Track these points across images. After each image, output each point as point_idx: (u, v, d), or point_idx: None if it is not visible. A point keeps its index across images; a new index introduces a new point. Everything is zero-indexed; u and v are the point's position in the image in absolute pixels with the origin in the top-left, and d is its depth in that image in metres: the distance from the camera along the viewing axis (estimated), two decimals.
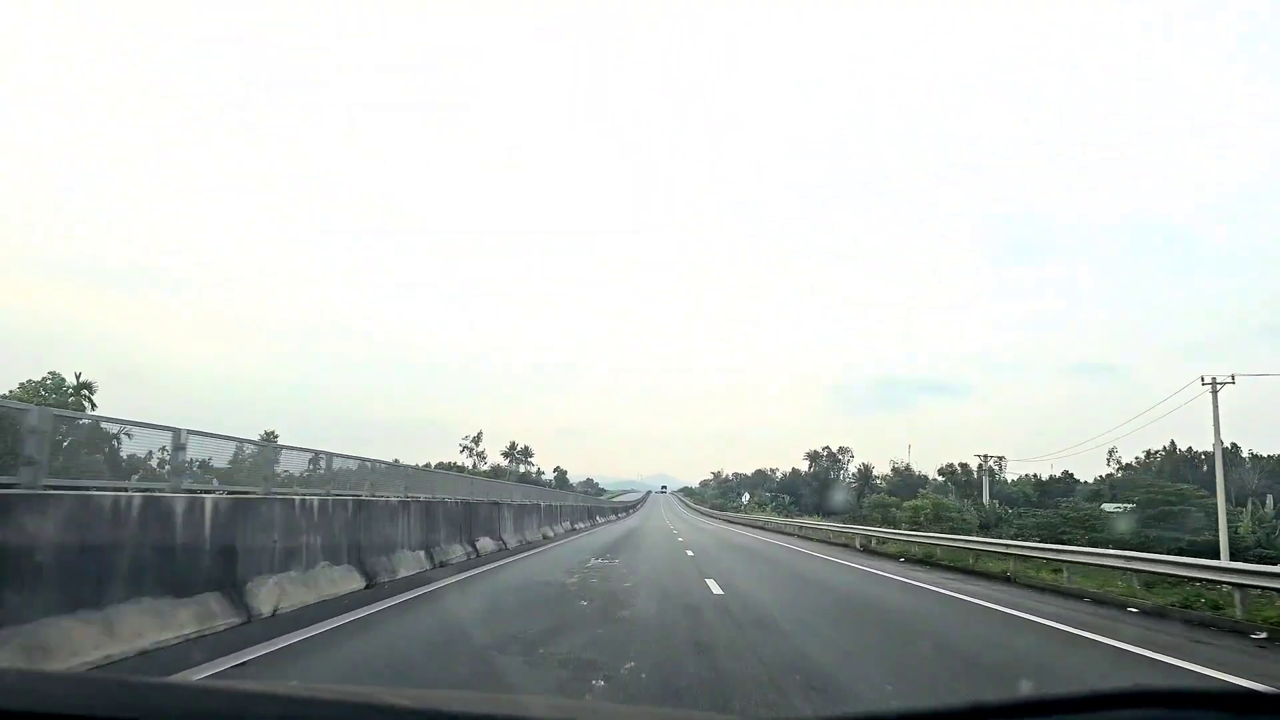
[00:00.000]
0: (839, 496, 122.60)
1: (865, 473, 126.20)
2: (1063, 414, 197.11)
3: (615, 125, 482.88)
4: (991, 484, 52.83)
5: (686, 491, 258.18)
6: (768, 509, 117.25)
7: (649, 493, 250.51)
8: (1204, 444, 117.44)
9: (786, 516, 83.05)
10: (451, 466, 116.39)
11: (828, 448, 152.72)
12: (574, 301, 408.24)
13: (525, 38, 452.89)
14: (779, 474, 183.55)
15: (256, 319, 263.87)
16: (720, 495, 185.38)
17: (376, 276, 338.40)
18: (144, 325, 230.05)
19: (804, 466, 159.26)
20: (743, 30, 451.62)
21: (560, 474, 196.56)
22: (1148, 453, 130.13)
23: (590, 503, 64.19)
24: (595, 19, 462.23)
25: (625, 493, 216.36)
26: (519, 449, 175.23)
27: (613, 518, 66.62)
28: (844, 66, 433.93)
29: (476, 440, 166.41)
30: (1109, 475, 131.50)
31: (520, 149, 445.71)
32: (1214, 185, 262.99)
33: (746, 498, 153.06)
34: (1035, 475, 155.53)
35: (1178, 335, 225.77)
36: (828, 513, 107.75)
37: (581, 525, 39.43)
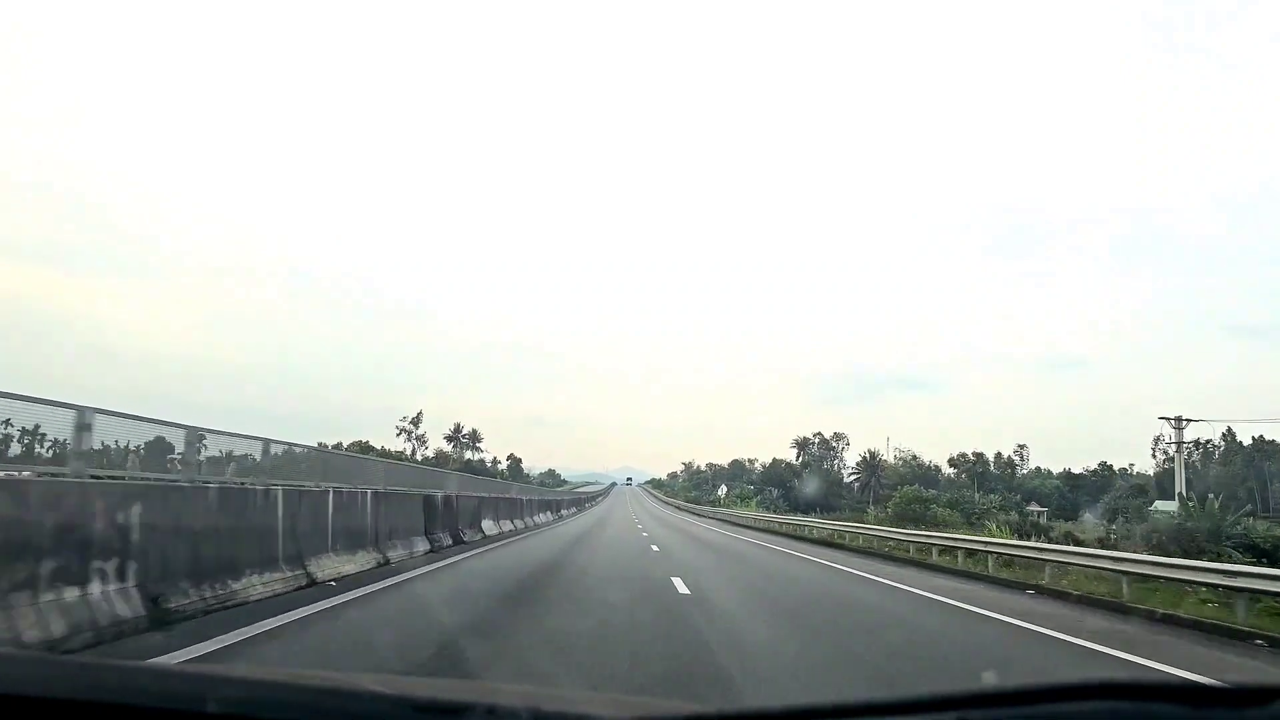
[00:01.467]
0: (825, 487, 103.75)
1: (872, 461, 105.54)
2: (1048, 408, 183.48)
3: (599, 123, 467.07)
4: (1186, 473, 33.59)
5: (655, 484, 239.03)
6: (751, 503, 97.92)
7: (614, 484, 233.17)
8: None
9: (779, 514, 63.30)
10: (364, 448, 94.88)
11: (820, 434, 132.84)
12: (546, 297, 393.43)
13: (516, 36, 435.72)
14: (758, 464, 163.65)
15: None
16: (694, 488, 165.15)
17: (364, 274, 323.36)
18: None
19: (789, 456, 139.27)
20: (726, 32, 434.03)
21: (514, 462, 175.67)
22: (1196, 442, 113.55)
23: (499, 489, 35.58)
24: (599, 24, 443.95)
25: (588, 484, 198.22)
26: (464, 433, 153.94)
27: (547, 518, 42.42)
28: (827, 64, 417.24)
29: (416, 422, 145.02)
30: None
31: (510, 147, 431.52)
32: (1205, 183, 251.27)
33: (724, 490, 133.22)
34: (1043, 468, 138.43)
35: (1150, 331, 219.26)
36: (827, 509, 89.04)
37: (428, 542, 17.94)
